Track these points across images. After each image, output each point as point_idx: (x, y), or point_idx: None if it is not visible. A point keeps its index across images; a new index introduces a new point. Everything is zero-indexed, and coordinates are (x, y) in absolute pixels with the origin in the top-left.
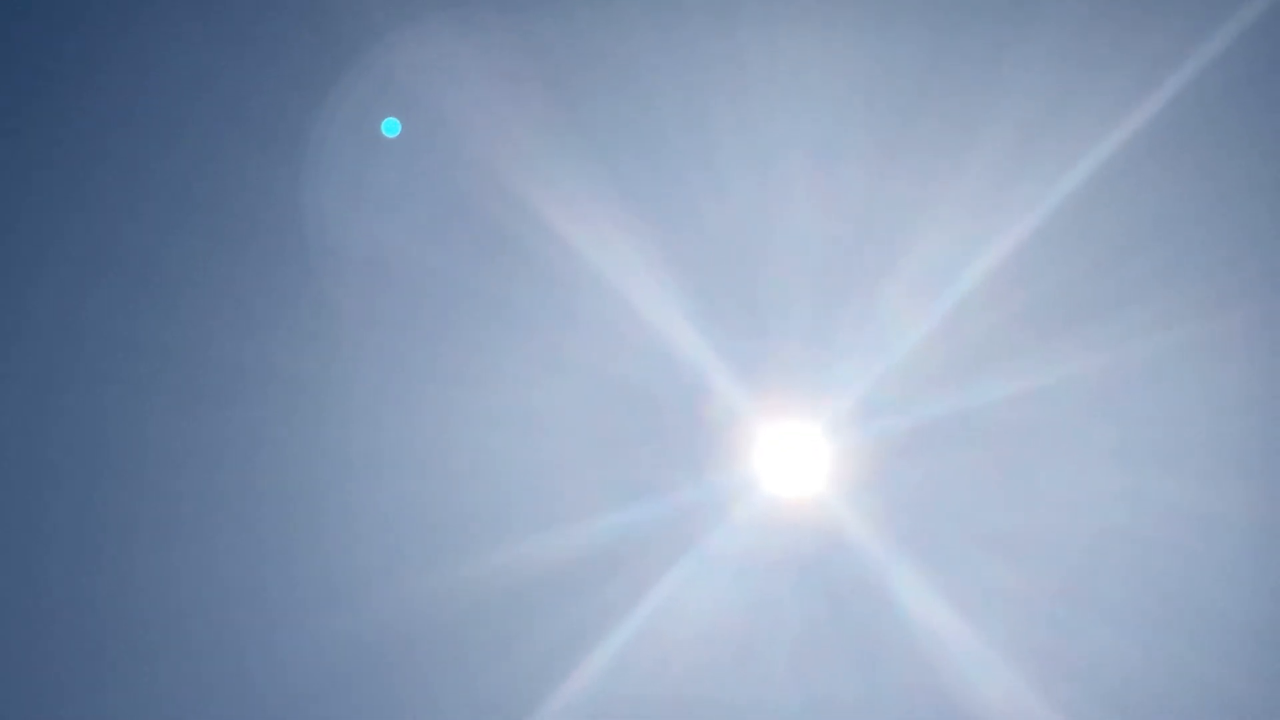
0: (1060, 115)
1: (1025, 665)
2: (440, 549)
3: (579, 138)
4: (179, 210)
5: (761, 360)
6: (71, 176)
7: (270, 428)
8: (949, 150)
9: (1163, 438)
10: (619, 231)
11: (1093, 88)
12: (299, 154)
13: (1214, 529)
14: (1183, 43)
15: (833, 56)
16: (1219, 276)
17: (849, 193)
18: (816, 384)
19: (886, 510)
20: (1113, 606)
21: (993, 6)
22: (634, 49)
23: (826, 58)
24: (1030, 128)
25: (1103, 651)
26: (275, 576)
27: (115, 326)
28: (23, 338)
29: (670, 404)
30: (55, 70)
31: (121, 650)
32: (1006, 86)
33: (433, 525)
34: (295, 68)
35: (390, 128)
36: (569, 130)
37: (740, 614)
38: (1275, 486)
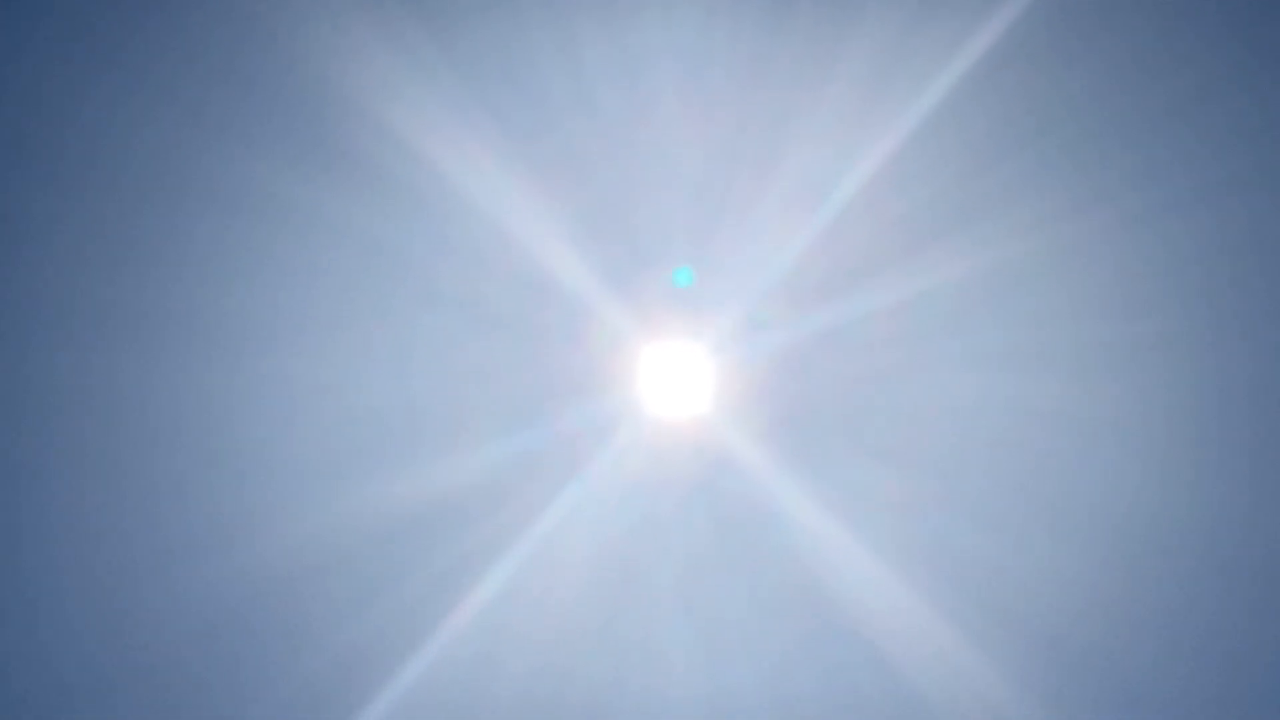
0: (925, 22)
1: (909, 573)
2: (325, 483)
3: (445, 60)
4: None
5: (640, 280)
6: None
7: (152, 368)
8: (816, 63)
9: (1033, 341)
10: (489, 156)
11: None
12: (167, 88)
13: (1084, 430)
14: None
15: None
16: (1082, 180)
17: (719, 108)
18: (696, 302)
19: (770, 426)
20: (991, 511)
21: None
22: None
23: None
24: (896, 36)
25: (983, 555)
26: (166, 515)
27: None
28: None
29: (550, 328)
30: None
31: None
32: None
33: (316, 460)
34: None
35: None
36: (435, 52)
37: (628, 537)
38: (1141, 385)
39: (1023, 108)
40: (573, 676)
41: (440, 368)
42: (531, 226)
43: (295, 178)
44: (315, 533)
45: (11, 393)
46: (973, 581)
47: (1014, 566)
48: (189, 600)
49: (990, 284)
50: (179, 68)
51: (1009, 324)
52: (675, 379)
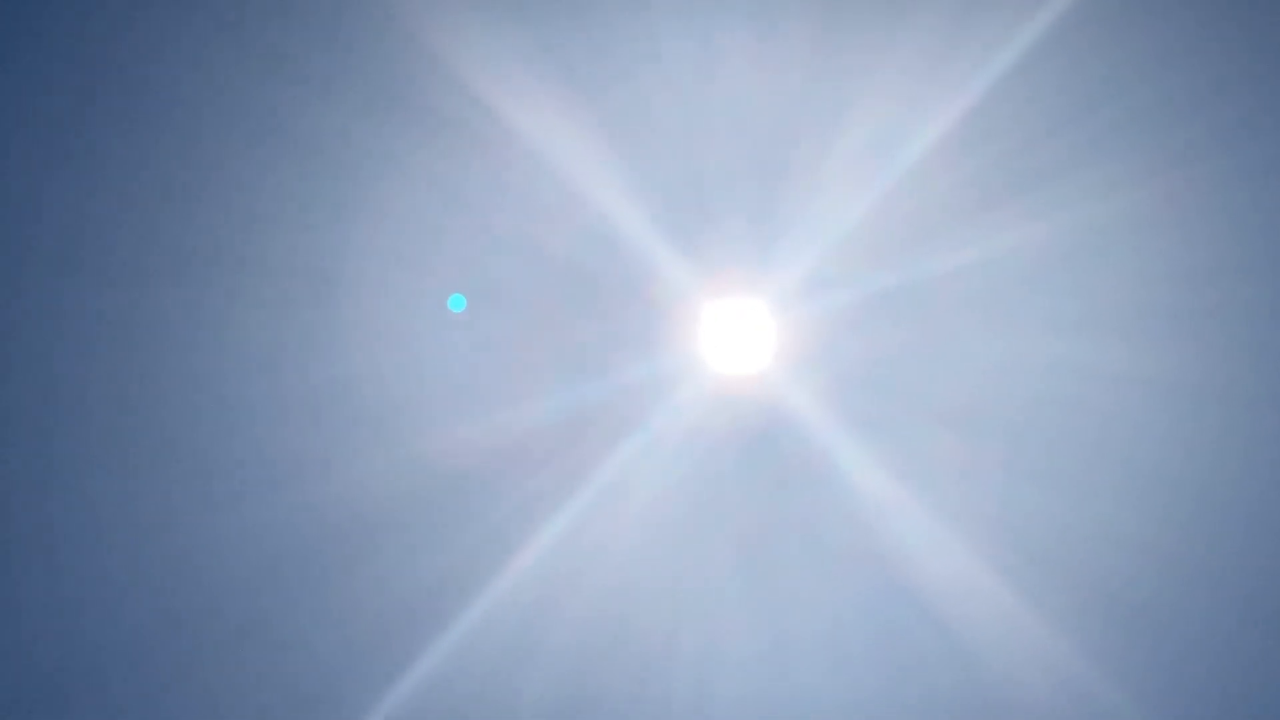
0: None
1: (972, 535)
2: (384, 430)
3: (517, 15)
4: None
5: (705, 236)
6: None
7: (219, 309)
8: (890, 20)
9: (1102, 305)
10: (558, 109)
11: None
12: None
13: (1153, 394)
14: None
15: None
16: (1156, 144)
17: (790, 65)
18: (760, 259)
19: (831, 385)
20: (1058, 474)
21: None
22: None
23: None
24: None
25: (1046, 518)
26: (224, 458)
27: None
28: None
29: (613, 282)
30: None
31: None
32: None
33: (376, 407)
34: None
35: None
36: (507, 7)
37: (685, 492)
38: (1211, 350)
39: (1098, 69)
40: (629, 627)
41: (503, 318)
42: (598, 179)
43: (366, 126)
44: (377, 479)
45: (89, 326)
46: (1036, 544)
47: (1079, 529)
48: (253, 542)
49: (1060, 247)
50: (251, 12)
51: (1077, 287)
52: (737, 335)
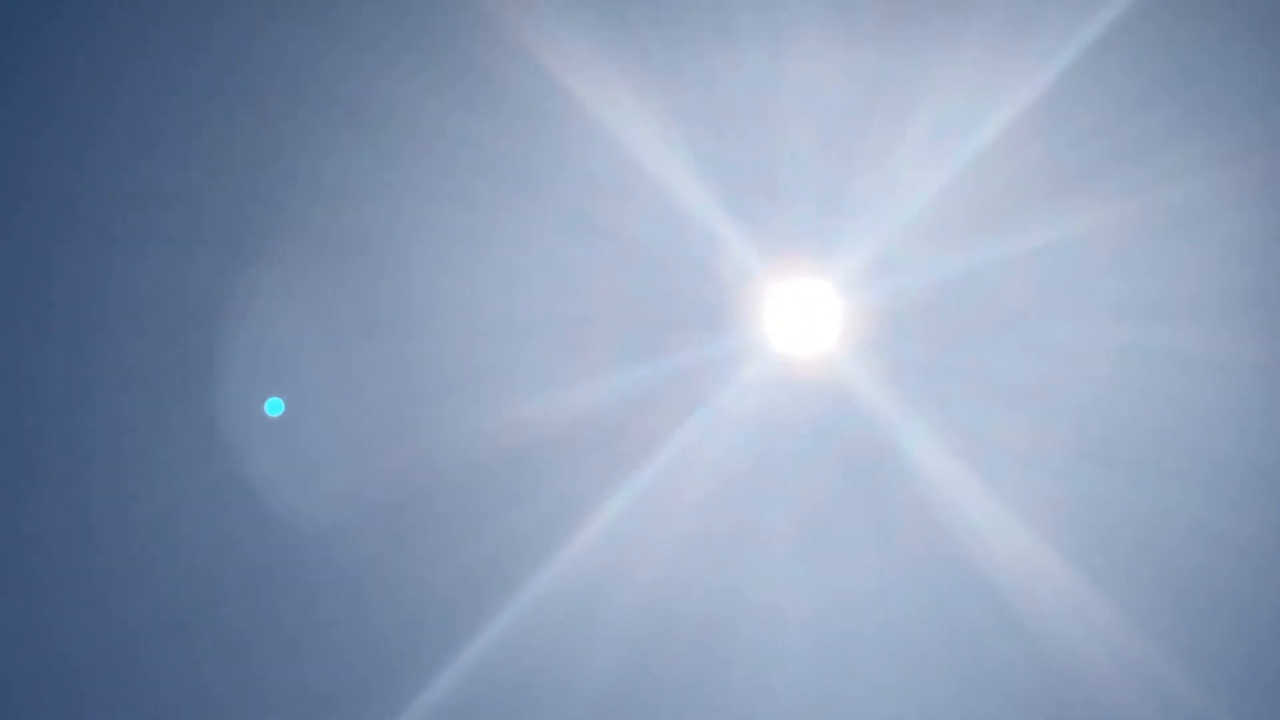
0: None
1: (1035, 519)
2: (452, 406)
3: None
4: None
5: (772, 218)
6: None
7: (293, 284)
8: (961, 2)
9: (1170, 289)
10: (632, 92)
11: None
12: (314, 26)
13: (1221, 379)
14: None
15: None
16: (1227, 129)
17: (861, 47)
18: (827, 242)
19: (897, 368)
20: (1122, 458)
21: None
22: None
23: None
24: None
25: (1112, 502)
26: (283, 434)
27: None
28: None
29: (682, 263)
30: None
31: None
32: None
33: (444, 382)
34: None
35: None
36: None
37: (749, 473)
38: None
39: (1173, 52)
40: (691, 605)
41: (571, 294)
42: (666, 160)
43: (444, 104)
44: (443, 455)
45: (163, 300)
46: (1105, 530)
47: (1150, 516)
48: (316, 518)
49: (1131, 231)
50: None
51: (1149, 271)
52: (802, 317)
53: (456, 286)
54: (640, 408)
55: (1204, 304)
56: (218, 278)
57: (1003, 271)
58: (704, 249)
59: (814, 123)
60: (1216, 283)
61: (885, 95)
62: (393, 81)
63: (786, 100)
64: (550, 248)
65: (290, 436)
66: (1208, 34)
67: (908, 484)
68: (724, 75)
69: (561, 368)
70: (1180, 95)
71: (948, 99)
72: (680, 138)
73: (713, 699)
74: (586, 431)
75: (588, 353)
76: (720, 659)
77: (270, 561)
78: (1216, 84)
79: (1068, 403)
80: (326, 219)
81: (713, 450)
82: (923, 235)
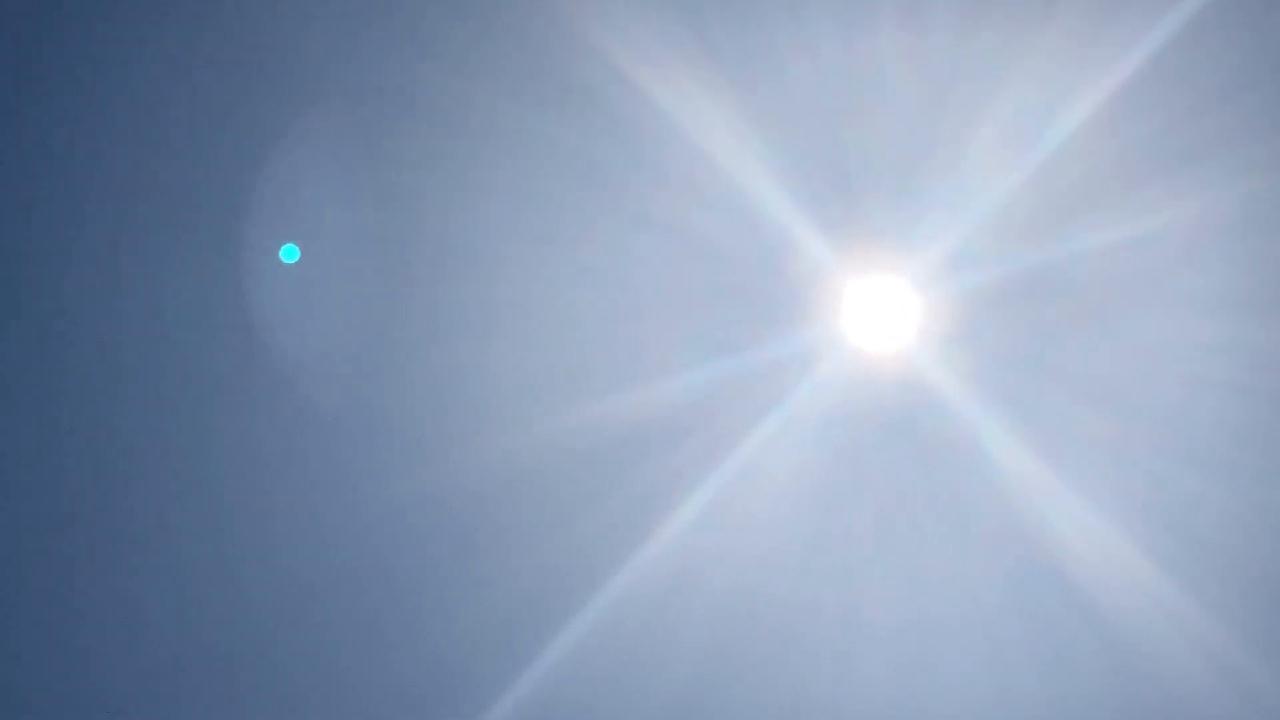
0: None
1: (1120, 517)
2: (529, 404)
3: None
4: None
5: (848, 213)
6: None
7: (361, 287)
8: None
9: (1252, 285)
10: (704, 87)
11: None
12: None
13: None
14: None
15: None
16: None
17: (936, 42)
18: (904, 237)
19: (974, 364)
20: (1206, 455)
21: None
22: None
23: None
24: None
25: (1196, 500)
26: (371, 429)
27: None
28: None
29: (757, 259)
30: None
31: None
32: None
33: (521, 381)
34: None
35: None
36: None
37: (827, 469)
38: None
39: (1251, 45)
40: (769, 602)
41: (648, 292)
42: (743, 157)
43: (520, 105)
44: (526, 453)
45: (231, 301)
46: (1191, 530)
47: (1238, 516)
48: (404, 516)
49: (1214, 224)
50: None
51: (1224, 268)
52: (879, 313)
53: (530, 285)
54: (716, 406)
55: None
56: (287, 284)
57: (1082, 265)
58: (779, 245)
59: (889, 116)
60: None
61: (961, 88)
62: (465, 81)
63: (861, 94)
64: (624, 245)
65: (384, 434)
66: None
67: (987, 481)
68: (797, 69)
69: (636, 366)
70: (1261, 88)
71: (1025, 91)
72: (754, 133)
73: (791, 705)
74: (661, 430)
75: (663, 351)
76: (799, 663)
77: (352, 560)
78: None
79: (1149, 398)
80: (406, 224)
81: (789, 448)
82: (1000, 229)
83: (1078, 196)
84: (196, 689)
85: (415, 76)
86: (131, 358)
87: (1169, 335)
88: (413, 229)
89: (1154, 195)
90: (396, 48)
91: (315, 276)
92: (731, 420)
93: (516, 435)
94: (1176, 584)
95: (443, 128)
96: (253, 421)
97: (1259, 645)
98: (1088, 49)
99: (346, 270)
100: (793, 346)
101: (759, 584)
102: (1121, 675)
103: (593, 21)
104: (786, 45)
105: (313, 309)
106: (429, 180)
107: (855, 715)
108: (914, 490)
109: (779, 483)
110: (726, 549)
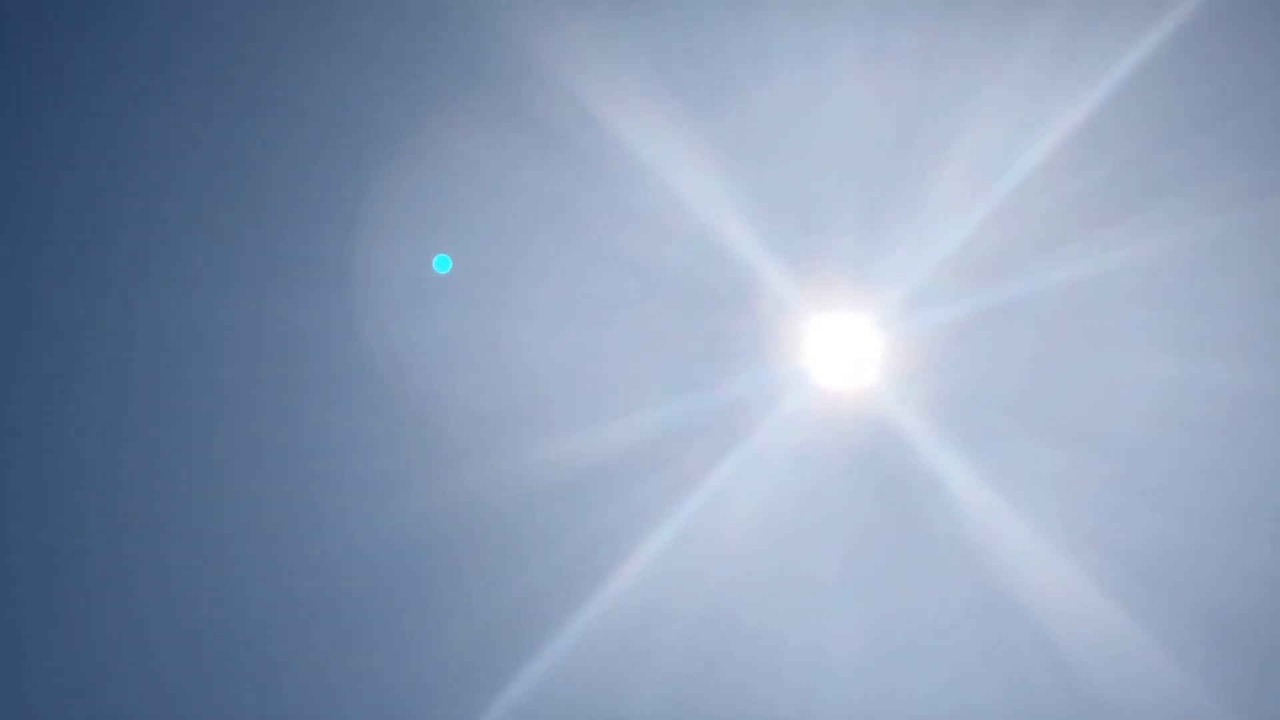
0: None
1: (1078, 553)
2: (493, 442)
3: (627, 29)
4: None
5: (812, 251)
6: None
7: (325, 319)
8: (999, 37)
9: (1210, 323)
10: (667, 123)
11: None
12: (344, 53)
13: (1261, 413)
14: None
15: None
16: (1267, 162)
17: (898, 81)
18: (866, 274)
19: (937, 400)
20: (1162, 491)
21: None
22: None
23: None
24: (1081, 13)
25: (1153, 536)
26: (325, 468)
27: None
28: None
29: (720, 296)
30: None
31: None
32: None
33: (488, 417)
34: None
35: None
36: (617, 22)
37: (791, 506)
38: None
39: (1213, 84)
40: (735, 635)
41: (612, 330)
42: (707, 195)
43: (479, 141)
44: (490, 488)
45: (171, 334)
46: (1146, 564)
47: (1191, 552)
48: (367, 549)
49: (1174, 263)
50: (368, 28)
51: (1182, 305)
52: (843, 350)
53: (496, 321)
54: (681, 442)
55: (1244, 338)
56: (251, 312)
57: (1042, 303)
58: (744, 282)
59: (853, 155)
60: (1257, 317)
61: (924, 128)
62: (430, 118)
63: (825, 132)
64: (591, 282)
65: (345, 473)
66: (1247, 66)
67: (948, 517)
68: (762, 107)
69: (602, 402)
70: (1219, 128)
71: (987, 130)
72: (719, 170)
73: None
74: (628, 467)
75: (629, 387)
76: (765, 696)
77: (311, 598)
78: (1256, 116)
79: (1106, 435)
80: (366, 255)
81: (754, 484)
82: (962, 267)
83: (1037, 235)
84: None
85: (380, 113)
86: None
87: (1125, 372)
88: (379, 265)
89: (1111, 234)
90: (362, 83)
91: (280, 310)
92: (697, 457)
93: (483, 471)
94: (1131, 617)
95: (408, 164)
96: (210, 471)
97: (1208, 677)
98: (1048, 89)
99: (314, 306)
100: (757, 383)
101: (725, 618)
102: (1077, 706)
103: (559, 59)
104: (752, 84)
105: (281, 342)
106: (393, 217)
107: None
108: (877, 525)
109: (744, 518)
110: (693, 584)
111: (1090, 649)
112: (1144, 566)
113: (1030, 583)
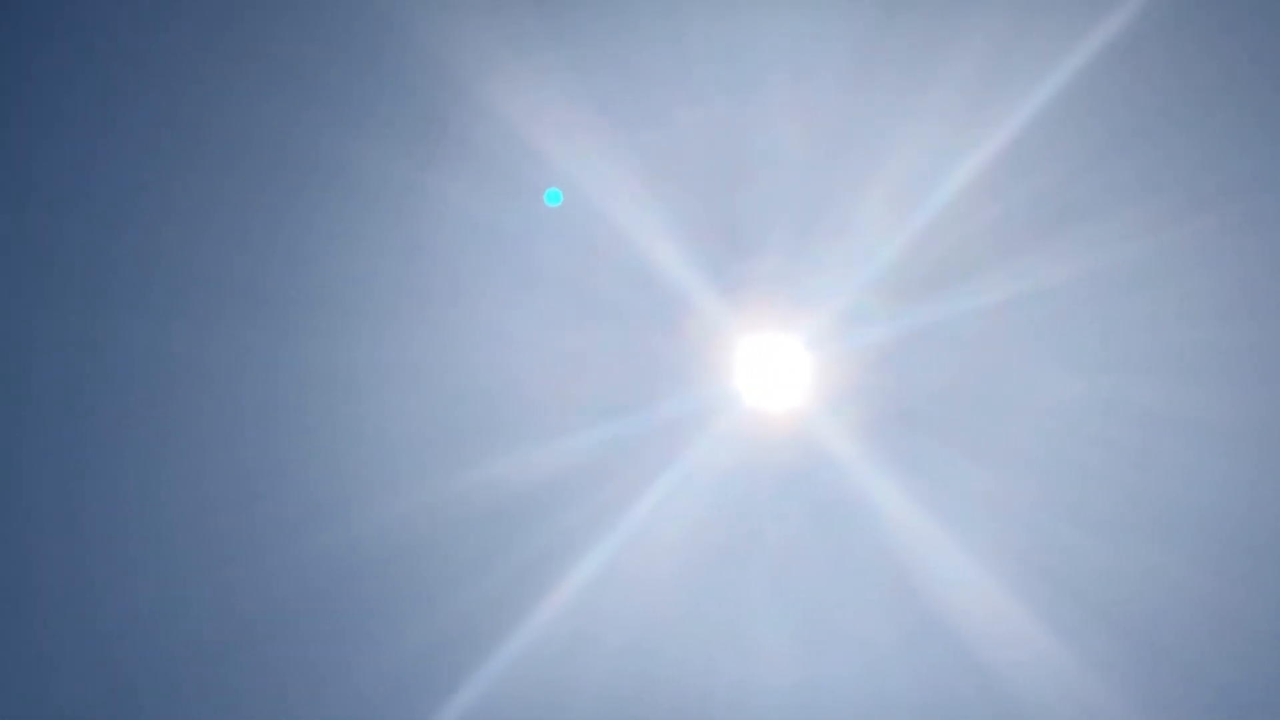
0: (1034, 25)
1: (1005, 572)
2: (421, 466)
3: (555, 50)
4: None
5: (741, 272)
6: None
7: (254, 345)
8: (925, 60)
9: (1138, 344)
10: (595, 144)
11: None
12: (281, 75)
13: (1188, 433)
14: None
15: None
16: (1191, 183)
17: (826, 104)
18: (796, 295)
19: (867, 421)
20: (1091, 512)
21: None
22: None
23: None
24: (1004, 38)
25: (1082, 557)
26: (260, 492)
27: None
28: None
29: (650, 318)
30: None
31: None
32: None
33: (413, 442)
34: None
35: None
36: (545, 42)
37: (722, 527)
38: (1249, 390)
39: (1131, 110)
40: (666, 660)
41: (540, 353)
42: (635, 216)
43: (407, 162)
44: (416, 514)
45: (127, 366)
46: (1069, 581)
47: (1111, 567)
48: (292, 577)
49: (1093, 286)
50: (299, 52)
51: (1110, 326)
52: (772, 371)
53: (420, 344)
54: (610, 465)
55: (1166, 360)
56: (190, 339)
57: (969, 325)
58: (672, 303)
59: (780, 177)
60: (1179, 339)
61: (851, 151)
62: (353, 138)
63: (752, 155)
64: (517, 304)
65: (260, 503)
66: (1166, 91)
67: (877, 536)
68: (689, 129)
69: (529, 426)
70: (1135, 153)
71: (913, 153)
72: (646, 191)
73: None
74: (556, 491)
75: (556, 410)
76: (698, 707)
77: (255, 623)
78: (1176, 141)
79: (1030, 455)
80: (294, 278)
81: (684, 507)
82: (890, 289)
83: (962, 258)
84: None
85: (302, 131)
86: None
87: (1049, 393)
88: (301, 287)
89: (1033, 257)
90: (284, 103)
91: (200, 333)
92: (626, 480)
93: (408, 497)
94: (1057, 638)
95: (331, 185)
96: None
97: (1135, 695)
98: (971, 113)
99: (231, 328)
100: (686, 405)
101: (654, 644)
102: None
103: (485, 80)
104: (680, 105)
105: (204, 368)
106: (316, 238)
107: None
108: (806, 547)
109: (673, 542)
110: (621, 609)
111: (1015, 667)
112: (1066, 584)
113: (957, 602)
